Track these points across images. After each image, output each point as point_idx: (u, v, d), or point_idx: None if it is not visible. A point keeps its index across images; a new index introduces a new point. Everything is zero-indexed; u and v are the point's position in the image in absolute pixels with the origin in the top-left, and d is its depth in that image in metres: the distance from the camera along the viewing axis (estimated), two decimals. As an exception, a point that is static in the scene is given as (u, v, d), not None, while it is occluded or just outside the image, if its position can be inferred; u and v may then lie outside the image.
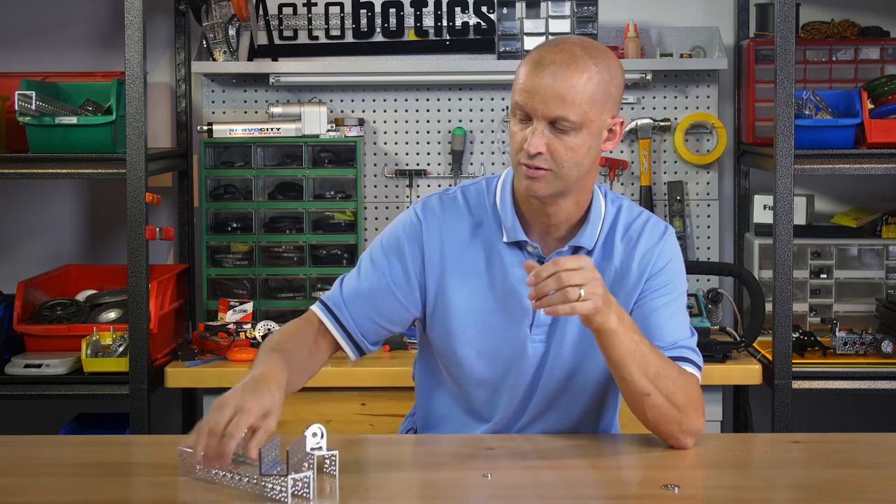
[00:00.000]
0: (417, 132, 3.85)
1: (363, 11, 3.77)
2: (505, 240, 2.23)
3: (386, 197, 3.85)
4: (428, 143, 3.85)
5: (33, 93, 3.23)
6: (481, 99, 3.82)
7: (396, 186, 3.84)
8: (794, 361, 3.24)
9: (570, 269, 1.97)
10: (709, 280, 3.82)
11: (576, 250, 2.22)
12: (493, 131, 3.83)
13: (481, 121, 3.83)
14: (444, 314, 2.25)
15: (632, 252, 2.24)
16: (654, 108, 3.82)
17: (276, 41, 3.78)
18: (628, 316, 2.10)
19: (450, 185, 3.78)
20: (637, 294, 2.23)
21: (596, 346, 2.11)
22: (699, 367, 2.22)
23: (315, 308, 2.29)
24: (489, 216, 2.26)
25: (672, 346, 2.19)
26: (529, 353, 2.23)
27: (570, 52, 2.10)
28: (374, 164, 3.85)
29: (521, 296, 2.20)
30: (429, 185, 3.84)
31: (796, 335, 3.35)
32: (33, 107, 3.23)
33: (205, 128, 3.65)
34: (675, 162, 3.83)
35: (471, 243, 2.25)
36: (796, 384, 3.24)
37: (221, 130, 3.64)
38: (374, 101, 3.84)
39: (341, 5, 3.78)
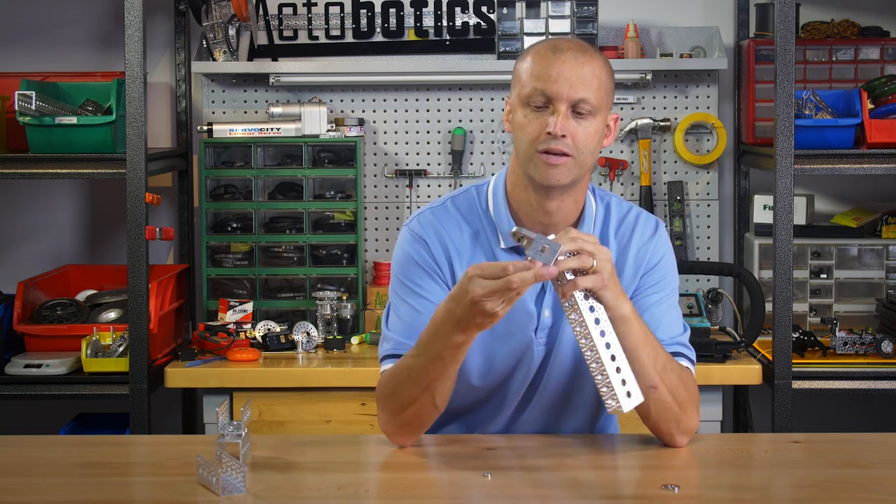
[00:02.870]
0: (417, 132, 3.84)
1: (363, 11, 3.77)
2: (502, 246, 2.20)
3: (386, 197, 3.85)
4: (428, 143, 3.84)
5: (33, 93, 3.23)
6: (481, 99, 3.82)
7: (396, 186, 3.84)
8: (794, 361, 3.24)
9: (583, 239, 1.97)
10: (709, 280, 3.81)
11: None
12: (493, 131, 3.83)
13: (481, 121, 3.83)
14: None
15: (626, 248, 2.23)
16: (654, 108, 3.82)
17: (276, 41, 3.78)
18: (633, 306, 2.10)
19: (450, 185, 3.81)
20: (632, 291, 2.22)
21: None
22: (693, 363, 2.23)
23: (385, 366, 2.18)
24: (484, 224, 2.22)
25: (669, 341, 2.19)
26: (535, 357, 2.22)
27: (579, 43, 2.14)
28: (374, 164, 3.84)
29: (526, 300, 2.18)
30: (429, 185, 3.83)
31: (796, 335, 3.35)
32: (33, 107, 3.23)
33: (205, 128, 3.65)
34: (675, 162, 3.83)
35: (473, 252, 2.21)
36: (796, 384, 3.24)
37: (221, 130, 3.64)
38: (374, 101, 3.84)
39: (341, 5, 3.78)
